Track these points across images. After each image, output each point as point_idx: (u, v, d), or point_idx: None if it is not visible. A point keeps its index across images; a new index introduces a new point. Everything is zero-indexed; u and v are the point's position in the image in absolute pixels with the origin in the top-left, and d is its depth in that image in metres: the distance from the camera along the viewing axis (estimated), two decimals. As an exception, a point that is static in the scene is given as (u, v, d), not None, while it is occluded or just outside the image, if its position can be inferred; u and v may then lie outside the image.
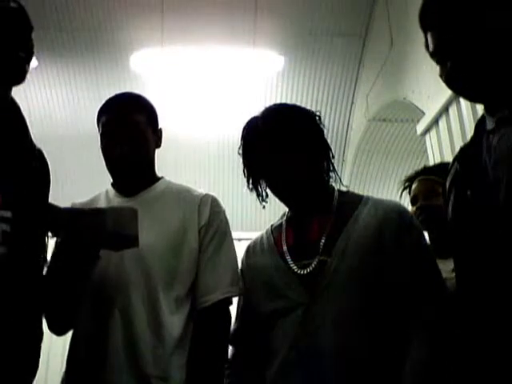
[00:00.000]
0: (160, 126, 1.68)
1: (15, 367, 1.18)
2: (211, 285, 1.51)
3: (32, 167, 1.29)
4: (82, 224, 1.30)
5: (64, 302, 1.42)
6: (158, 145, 1.67)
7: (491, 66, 1.12)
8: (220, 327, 1.52)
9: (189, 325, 1.50)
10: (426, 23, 1.22)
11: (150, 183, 1.63)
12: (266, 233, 1.58)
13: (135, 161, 1.56)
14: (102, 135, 1.59)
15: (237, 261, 1.59)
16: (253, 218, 5.99)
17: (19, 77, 1.25)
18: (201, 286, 1.52)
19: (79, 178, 6.02)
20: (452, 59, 1.15)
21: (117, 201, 1.60)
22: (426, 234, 2.04)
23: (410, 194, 2.12)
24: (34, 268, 1.27)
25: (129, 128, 1.56)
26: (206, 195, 1.61)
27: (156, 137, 1.65)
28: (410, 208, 2.08)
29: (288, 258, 1.44)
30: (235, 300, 1.60)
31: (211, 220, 1.57)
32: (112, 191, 1.63)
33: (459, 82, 1.17)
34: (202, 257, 1.54)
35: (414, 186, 2.09)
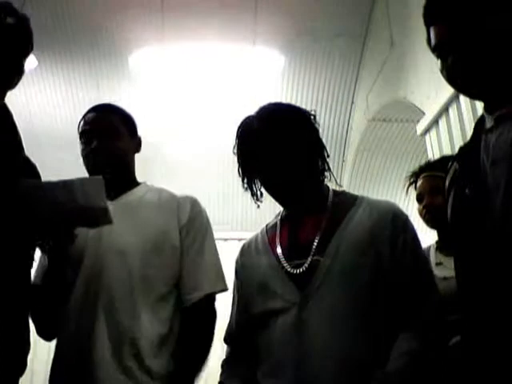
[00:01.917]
0: (139, 135, 1.75)
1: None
2: (193, 285, 1.58)
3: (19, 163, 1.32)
4: (50, 201, 1.28)
5: (50, 303, 1.48)
6: (138, 150, 1.75)
7: (492, 63, 1.12)
8: (204, 324, 1.59)
9: (173, 322, 1.56)
10: (429, 17, 1.22)
11: (130, 187, 1.69)
12: (261, 232, 1.58)
13: (109, 152, 1.62)
14: (80, 139, 1.68)
15: (219, 258, 1.66)
16: (253, 218, 5.99)
17: (10, 82, 1.31)
18: (185, 286, 1.59)
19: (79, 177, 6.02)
20: (454, 54, 1.15)
21: None
22: (434, 233, 2.08)
23: (415, 189, 2.13)
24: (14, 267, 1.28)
25: (103, 125, 1.64)
26: (186, 196, 1.68)
27: (135, 142, 1.73)
28: (416, 205, 2.10)
29: (282, 257, 1.44)
30: (222, 297, 1.65)
31: (192, 219, 1.63)
32: None
33: (460, 77, 1.17)
34: (185, 258, 1.60)
35: (418, 184, 2.10)
